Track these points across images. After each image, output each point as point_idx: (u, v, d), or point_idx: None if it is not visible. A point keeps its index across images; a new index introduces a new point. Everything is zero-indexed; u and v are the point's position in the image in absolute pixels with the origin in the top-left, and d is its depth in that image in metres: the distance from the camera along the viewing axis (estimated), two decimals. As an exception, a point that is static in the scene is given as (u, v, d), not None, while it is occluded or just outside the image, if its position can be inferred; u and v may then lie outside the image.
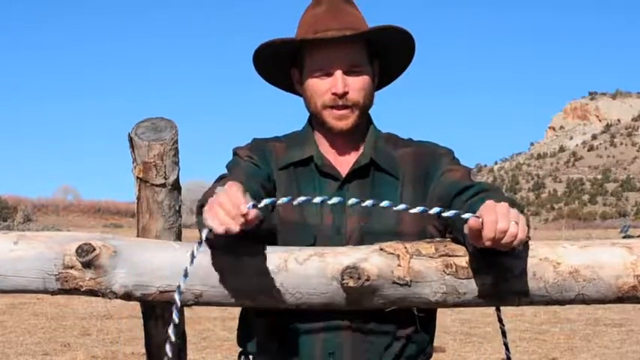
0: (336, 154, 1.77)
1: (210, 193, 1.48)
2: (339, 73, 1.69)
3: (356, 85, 1.71)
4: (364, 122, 1.78)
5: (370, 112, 1.80)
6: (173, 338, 1.42)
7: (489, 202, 1.40)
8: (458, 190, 1.63)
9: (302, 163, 1.75)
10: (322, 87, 1.71)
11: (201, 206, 1.47)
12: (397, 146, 1.78)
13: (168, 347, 1.42)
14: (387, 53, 1.78)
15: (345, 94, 1.70)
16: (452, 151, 1.78)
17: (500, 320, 1.69)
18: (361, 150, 1.76)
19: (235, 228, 1.33)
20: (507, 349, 1.72)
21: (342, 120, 1.72)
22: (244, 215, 1.32)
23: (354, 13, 1.74)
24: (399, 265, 1.55)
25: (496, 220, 1.36)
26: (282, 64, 1.79)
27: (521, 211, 1.49)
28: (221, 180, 1.62)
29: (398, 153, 1.76)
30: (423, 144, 1.80)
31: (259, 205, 1.37)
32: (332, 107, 1.71)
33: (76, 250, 1.52)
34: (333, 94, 1.70)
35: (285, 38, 1.73)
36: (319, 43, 1.70)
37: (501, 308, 1.68)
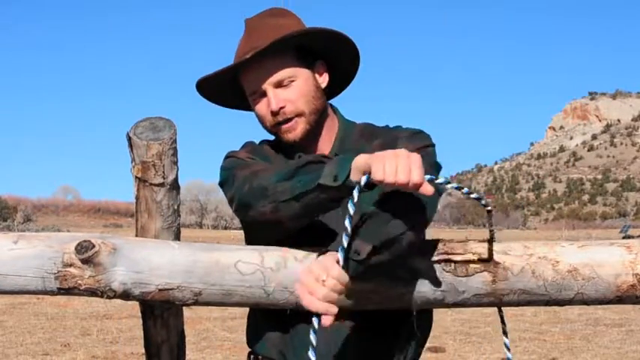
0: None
1: (249, 175, 1.58)
2: (270, 90, 1.68)
3: (291, 96, 1.68)
4: (321, 123, 1.74)
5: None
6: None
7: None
8: None
9: None
10: (262, 110, 1.71)
11: (299, 167, 1.50)
12: (371, 139, 1.74)
13: None
14: (328, 53, 1.74)
15: (282, 108, 1.68)
16: (418, 131, 1.71)
17: (502, 321, 1.69)
18: (328, 150, 1.74)
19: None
20: (508, 349, 1.71)
21: (290, 132, 1.70)
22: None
23: (279, 24, 1.70)
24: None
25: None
26: (236, 91, 1.77)
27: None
28: (248, 168, 1.62)
29: (371, 147, 1.71)
30: (392, 131, 1.75)
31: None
32: (277, 124, 1.70)
33: (76, 247, 1.52)
34: (271, 113, 1.69)
35: (210, 74, 1.71)
36: (244, 67, 1.69)
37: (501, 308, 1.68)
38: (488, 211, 1.48)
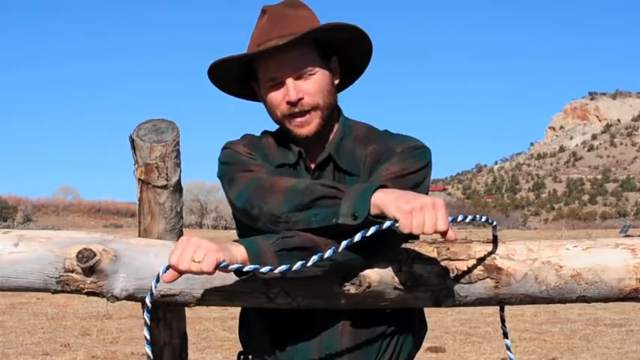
0: (309, 155, 1.74)
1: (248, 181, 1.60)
2: (289, 80, 1.67)
3: (310, 89, 1.68)
4: (331, 120, 1.74)
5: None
6: (149, 337, 1.51)
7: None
8: None
9: (294, 165, 1.73)
10: (277, 98, 1.69)
11: (314, 200, 1.51)
12: (367, 144, 1.73)
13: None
14: (342, 48, 1.74)
15: (300, 100, 1.67)
16: (413, 147, 1.68)
17: (502, 321, 1.69)
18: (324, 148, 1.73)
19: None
20: (509, 349, 1.71)
21: (303, 127, 1.68)
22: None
23: (300, 16, 1.70)
24: (400, 271, 1.55)
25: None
26: (242, 78, 1.77)
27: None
28: (248, 172, 1.63)
29: (365, 152, 1.72)
30: (389, 140, 1.73)
31: (229, 267, 1.42)
32: (291, 116, 1.68)
33: (77, 256, 1.51)
34: (288, 102, 1.67)
35: (229, 57, 1.70)
36: (265, 55, 1.67)
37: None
38: (494, 227, 1.57)
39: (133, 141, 1.61)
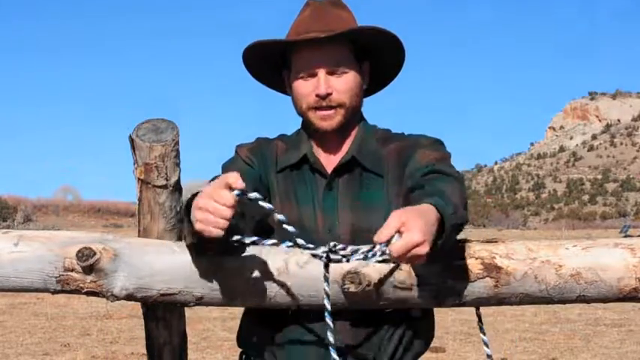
0: (325, 154, 1.77)
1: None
2: (322, 74, 1.70)
3: (340, 86, 1.71)
4: (353, 122, 1.77)
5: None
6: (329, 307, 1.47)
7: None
8: (417, 169, 1.64)
9: (297, 166, 1.76)
10: (306, 89, 1.72)
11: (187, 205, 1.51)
12: (386, 144, 1.77)
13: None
14: (376, 54, 1.77)
15: (329, 94, 1.70)
16: (437, 140, 1.74)
17: (479, 319, 1.70)
18: (346, 149, 1.76)
19: (216, 232, 1.35)
20: (487, 345, 1.71)
21: (326, 120, 1.72)
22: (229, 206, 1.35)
23: (341, 15, 1.74)
24: (400, 270, 1.55)
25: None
26: (274, 66, 1.80)
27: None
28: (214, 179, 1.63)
29: (385, 151, 1.75)
30: (409, 138, 1.77)
31: (249, 196, 1.38)
32: (316, 108, 1.72)
33: (77, 254, 1.52)
34: (317, 95, 1.70)
35: (267, 40, 1.74)
36: (302, 45, 1.70)
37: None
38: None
39: (132, 141, 1.61)
